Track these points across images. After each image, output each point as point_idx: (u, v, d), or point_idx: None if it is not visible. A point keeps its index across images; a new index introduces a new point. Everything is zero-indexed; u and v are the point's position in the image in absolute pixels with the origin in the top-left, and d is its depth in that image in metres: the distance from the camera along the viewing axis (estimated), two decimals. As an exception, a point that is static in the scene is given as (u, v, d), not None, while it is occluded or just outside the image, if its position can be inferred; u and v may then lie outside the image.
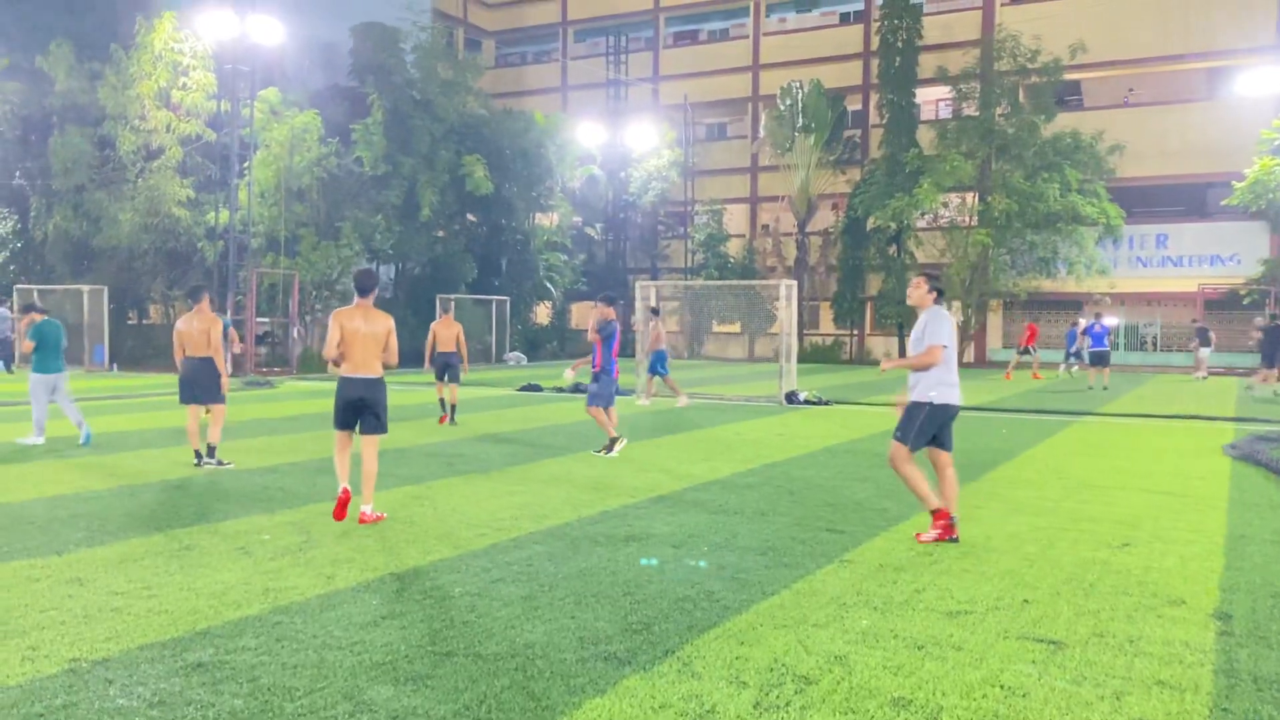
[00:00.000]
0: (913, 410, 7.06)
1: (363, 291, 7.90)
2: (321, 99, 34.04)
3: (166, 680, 4.28)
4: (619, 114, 44.89)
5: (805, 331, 40.03)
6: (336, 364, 7.74)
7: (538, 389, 22.72)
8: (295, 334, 29.84)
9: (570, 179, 39.45)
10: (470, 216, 37.29)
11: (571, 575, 6.14)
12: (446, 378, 15.40)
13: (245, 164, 28.50)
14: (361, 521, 7.68)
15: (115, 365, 28.33)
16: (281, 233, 30.43)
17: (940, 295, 7.25)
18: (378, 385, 7.80)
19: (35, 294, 29.62)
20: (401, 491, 9.12)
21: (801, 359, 22.48)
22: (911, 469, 7.10)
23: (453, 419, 15.20)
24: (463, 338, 15.70)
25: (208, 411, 10.91)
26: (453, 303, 18.55)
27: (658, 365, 19.56)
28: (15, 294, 30.33)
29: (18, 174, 31.88)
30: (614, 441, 11.83)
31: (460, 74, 35.52)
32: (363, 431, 7.85)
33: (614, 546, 6.94)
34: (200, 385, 10.63)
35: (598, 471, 10.52)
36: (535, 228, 38.27)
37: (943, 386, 7.01)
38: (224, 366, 10.86)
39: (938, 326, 7.01)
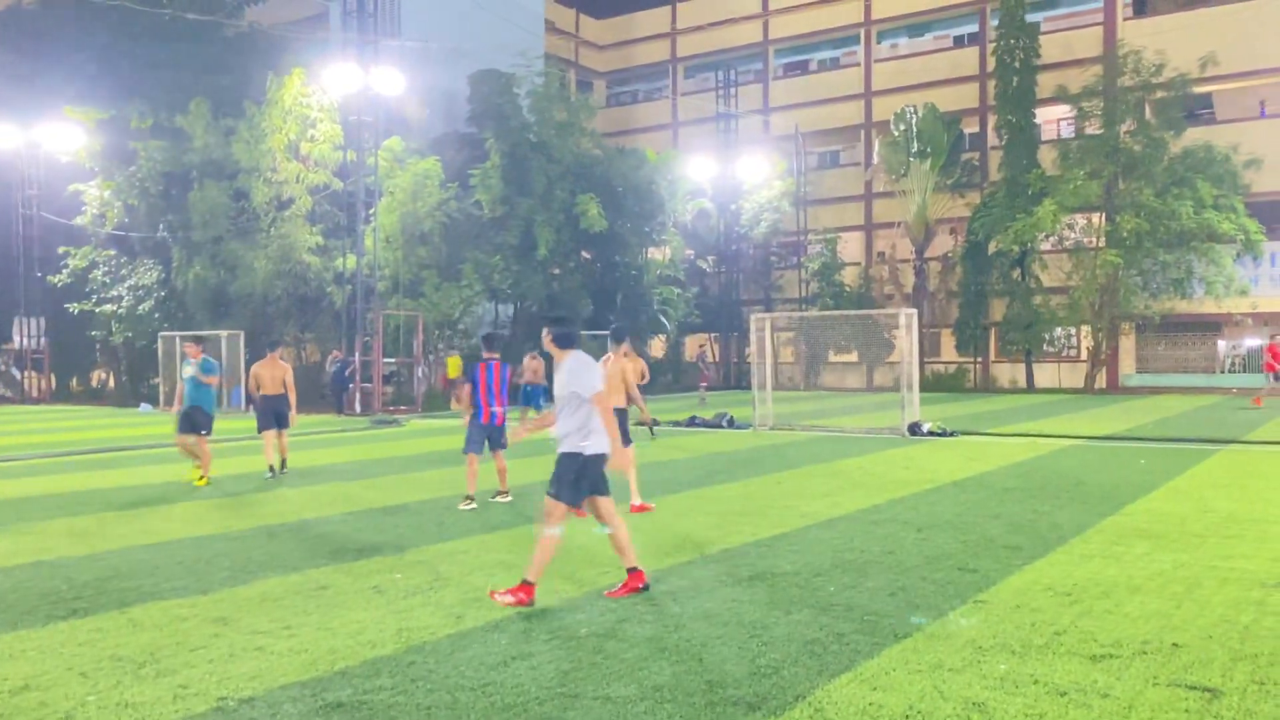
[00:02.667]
0: (565, 463, 6.55)
1: (617, 340, 10.47)
2: (441, 145, 35.12)
3: (308, 719, 4.42)
4: (729, 147, 45.01)
5: (926, 360, 39.17)
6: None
7: (655, 423, 22.73)
8: (420, 373, 30.65)
9: (682, 213, 39.69)
10: (585, 253, 37.82)
11: (697, 615, 6.10)
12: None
13: (371, 211, 29.57)
14: (632, 511, 9.94)
15: (252, 407, 29.56)
16: (405, 275, 31.41)
17: (567, 341, 6.71)
18: (621, 413, 10.00)
19: (177, 339, 31.29)
20: (524, 531, 9.23)
21: (923, 388, 22.08)
22: (555, 531, 6.48)
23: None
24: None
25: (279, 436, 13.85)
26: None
27: (535, 400, 19.78)
28: (160, 340, 32.02)
29: (161, 227, 33.75)
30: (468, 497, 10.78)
31: (574, 115, 36.19)
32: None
33: (738, 586, 6.87)
34: (276, 415, 13.69)
35: (718, 508, 10.46)
36: (648, 262, 38.57)
37: (595, 435, 6.56)
38: (294, 400, 13.93)
39: (588, 376, 6.55)
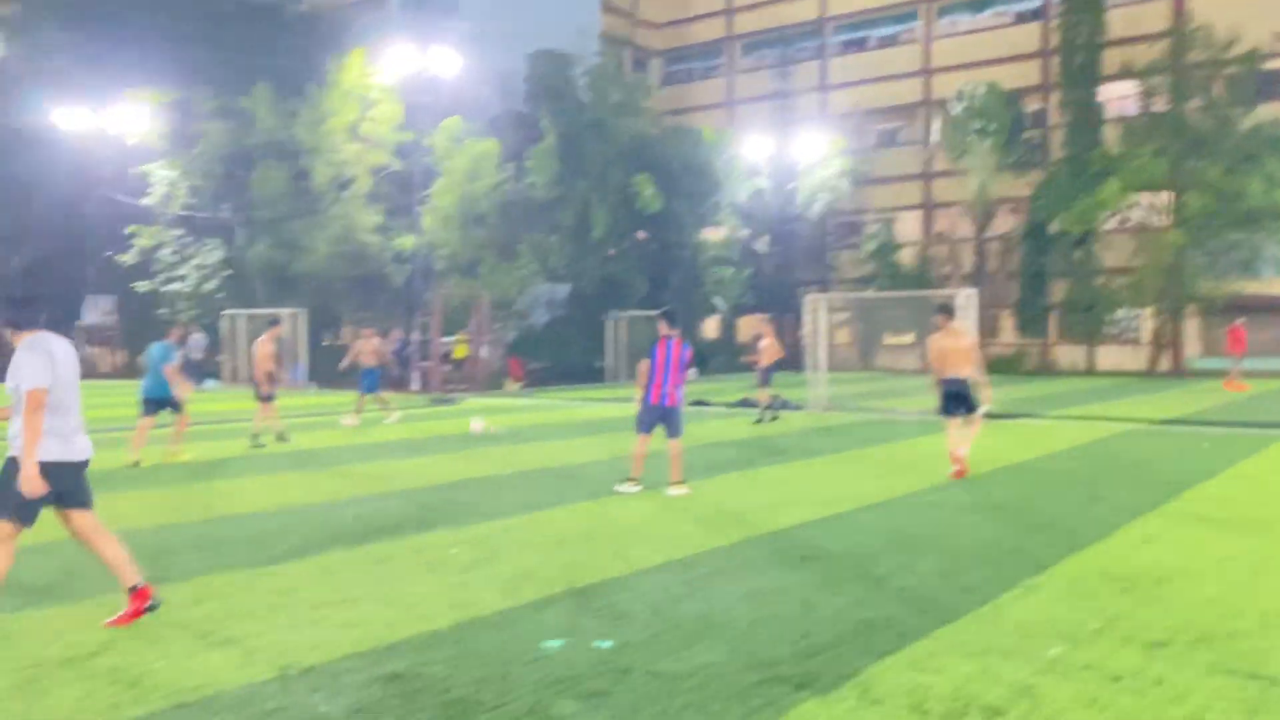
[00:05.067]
0: (8, 470, 5.38)
1: (948, 316, 11.45)
2: (499, 126, 35.30)
3: (365, 689, 4.55)
4: (786, 125, 44.58)
5: (985, 341, 38.54)
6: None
7: (706, 404, 22.79)
8: (482, 353, 30.92)
9: (737, 193, 39.48)
10: (640, 234, 37.83)
11: (747, 595, 6.14)
12: None
13: (428, 191, 29.86)
14: (955, 475, 10.94)
15: (314, 384, 30.14)
16: (462, 255, 31.71)
17: (22, 322, 5.57)
18: (966, 383, 11.24)
19: (241, 318, 31.97)
20: (578, 508, 9.34)
21: (981, 370, 21.88)
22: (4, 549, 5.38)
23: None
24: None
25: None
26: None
27: (370, 383, 19.32)
28: (223, 319, 32.70)
29: (225, 207, 34.44)
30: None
31: (630, 95, 36.16)
32: (964, 414, 11.28)
33: (789, 567, 6.90)
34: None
35: (769, 490, 10.48)
36: (703, 242, 38.47)
37: (51, 438, 5.41)
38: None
39: (28, 367, 5.34)
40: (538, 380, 33.19)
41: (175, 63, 34.48)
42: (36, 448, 5.30)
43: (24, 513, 5.40)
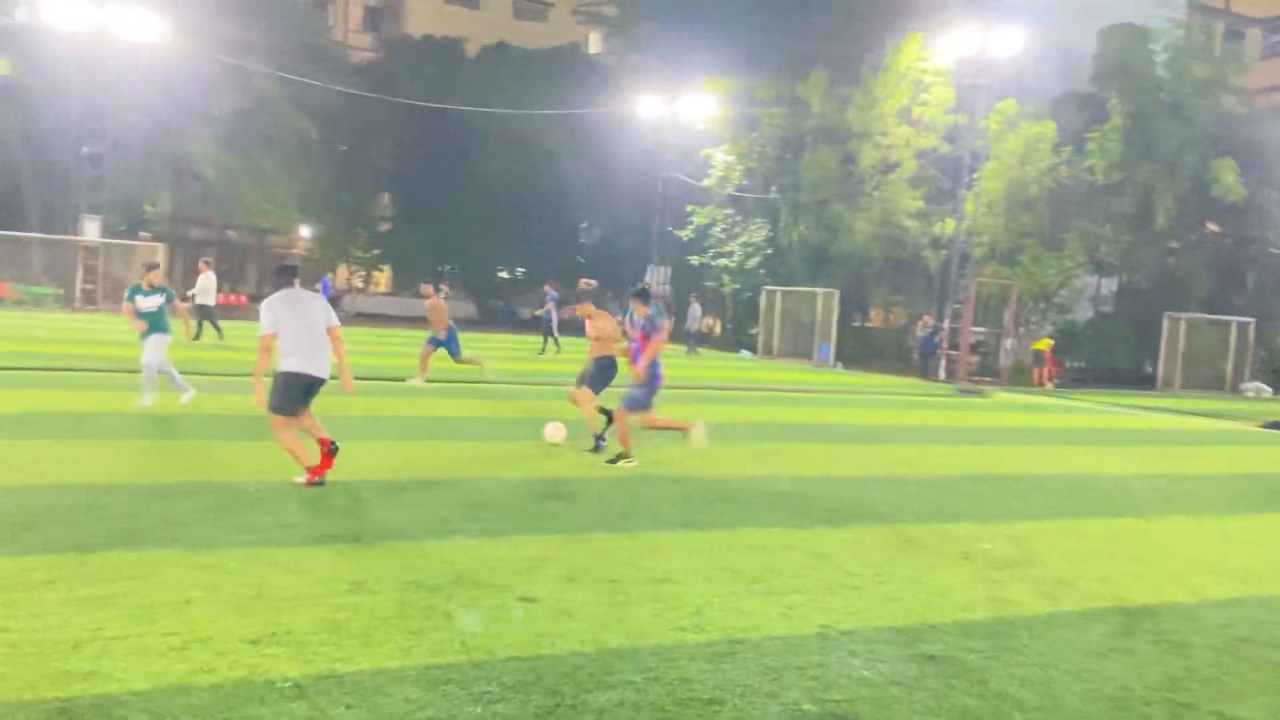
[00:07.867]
0: (274, 380, 7.66)
1: None
2: (1057, 107, 33.30)
3: (902, 664, 4.61)
4: None
5: None
6: None
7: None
8: (1008, 345, 29.65)
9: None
10: (1212, 226, 33.55)
11: (1342, 653, 5.24)
12: None
13: (974, 175, 29.11)
14: None
15: (839, 363, 30.95)
16: (1004, 243, 30.51)
17: (279, 287, 7.75)
18: None
19: (778, 294, 33.69)
20: (1122, 524, 8.60)
21: None
22: (285, 434, 7.58)
23: None
24: None
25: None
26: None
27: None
28: (762, 294, 34.74)
29: (773, 189, 36.45)
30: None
31: (1218, 70, 32.14)
32: None
33: (1401, 630, 5.76)
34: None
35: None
36: (1296, 239, 33.12)
37: (293, 357, 7.50)
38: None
39: (262, 315, 7.51)
40: (1074, 381, 31.00)
41: (742, 53, 37.02)
42: (259, 371, 7.59)
43: (280, 407, 7.55)
